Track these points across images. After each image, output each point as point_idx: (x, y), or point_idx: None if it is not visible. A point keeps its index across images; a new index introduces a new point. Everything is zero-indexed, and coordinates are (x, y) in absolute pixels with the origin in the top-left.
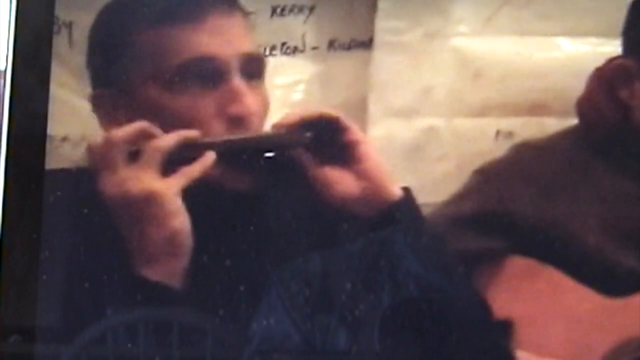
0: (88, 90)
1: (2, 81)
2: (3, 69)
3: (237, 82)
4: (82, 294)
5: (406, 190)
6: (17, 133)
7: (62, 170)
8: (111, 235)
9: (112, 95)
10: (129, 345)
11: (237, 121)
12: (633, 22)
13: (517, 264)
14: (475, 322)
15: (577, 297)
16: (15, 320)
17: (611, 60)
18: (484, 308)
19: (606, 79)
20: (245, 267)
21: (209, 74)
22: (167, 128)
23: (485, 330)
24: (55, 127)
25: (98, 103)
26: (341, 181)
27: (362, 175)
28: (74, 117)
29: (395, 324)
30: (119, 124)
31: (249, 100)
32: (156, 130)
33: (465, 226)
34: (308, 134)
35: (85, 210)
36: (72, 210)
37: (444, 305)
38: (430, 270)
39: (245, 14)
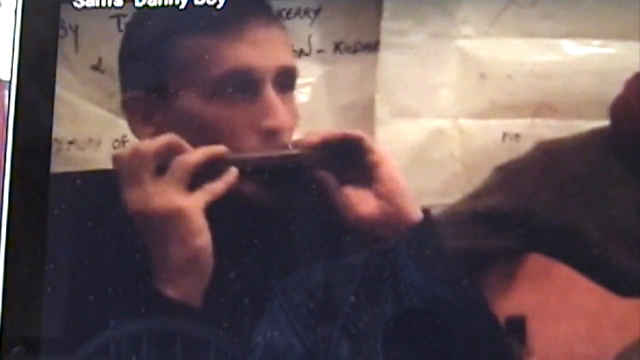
0: (94, 93)
1: (7, 92)
2: (8, 79)
3: (272, 95)
4: (87, 306)
5: (426, 212)
6: (22, 144)
7: (68, 179)
8: (118, 245)
9: (147, 100)
10: (133, 357)
11: (271, 135)
12: None
13: (534, 262)
14: (481, 334)
15: (592, 297)
16: (19, 332)
17: None
18: (490, 319)
19: None
20: (249, 279)
21: (245, 86)
22: (200, 138)
23: (491, 342)
24: (63, 131)
25: (131, 106)
26: (362, 202)
27: (383, 196)
28: (80, 121)
29: (399, 336)
30: (151, 128)
31: (283, 114)
32: (185, 144)
33: (483, 224)
34: (331, 154)
35: (91, 222)
36: (78, 219)
37: (448, 317)
38: (434, 282)
39: (283, 25)
